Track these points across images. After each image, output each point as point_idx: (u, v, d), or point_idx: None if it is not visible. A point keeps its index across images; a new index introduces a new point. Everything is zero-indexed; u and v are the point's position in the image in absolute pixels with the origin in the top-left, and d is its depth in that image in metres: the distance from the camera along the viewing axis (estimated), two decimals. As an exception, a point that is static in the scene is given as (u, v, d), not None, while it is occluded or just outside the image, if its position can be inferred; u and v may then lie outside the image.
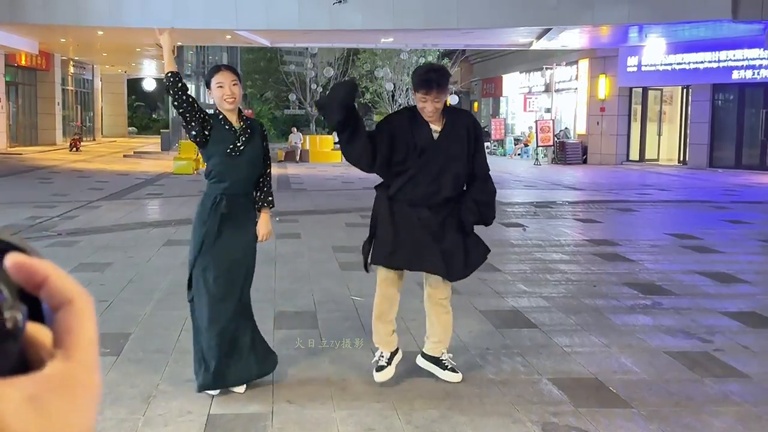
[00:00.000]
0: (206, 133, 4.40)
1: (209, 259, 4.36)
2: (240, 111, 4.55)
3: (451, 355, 4.66)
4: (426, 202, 4.46)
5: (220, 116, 4.46)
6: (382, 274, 4.57)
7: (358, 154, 4.45)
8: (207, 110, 4.51)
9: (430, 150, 4.44)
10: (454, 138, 4.48)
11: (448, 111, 4.55)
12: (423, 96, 4.38)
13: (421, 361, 4.68)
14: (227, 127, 4.44)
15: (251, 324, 4.56)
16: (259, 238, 4.56)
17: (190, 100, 4.39)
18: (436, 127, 4.49)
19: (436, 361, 4.61)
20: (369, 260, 4.59)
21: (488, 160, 4.70)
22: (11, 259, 0.44)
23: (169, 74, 4.41)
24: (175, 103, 4.40)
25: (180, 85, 4.39)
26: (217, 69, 4.53)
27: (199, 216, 4.46)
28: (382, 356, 4.57)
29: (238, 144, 4.42)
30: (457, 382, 4.56)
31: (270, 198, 4.64)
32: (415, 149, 4.43)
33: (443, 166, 4.43)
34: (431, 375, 4.64)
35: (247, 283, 4.52)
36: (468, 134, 4.52)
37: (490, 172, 4.65)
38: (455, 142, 4.48)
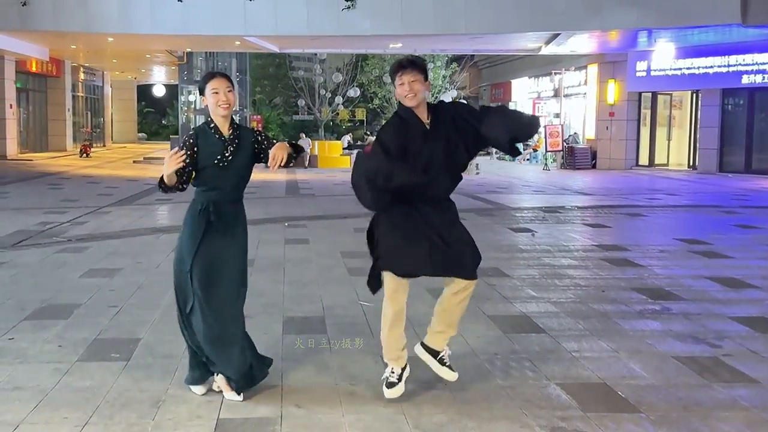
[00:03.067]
0: (193, 166, 4.41)
1: (197, 269, 4.37)
2: (232, 119, 4.50)
3: (450, 352, 4.56)
4: (424, 197, 4.32)
5: (211, 125, 4.45)
6: (391, 284, 4.38)
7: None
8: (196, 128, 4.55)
9: (427, 141, 4.33)
10: (445, 128, 4.36)
11: (431, 107, 4.45)
12: (399, 78, 4.32)
13: (419, 350, 4.56)
14: (217, 136, 4.43)
15: (240, 334, 4.52)
16: (271, 162, 4.32)
17: (187, 173, 4.42)
18: (425, 120, 4.39)
19: (435, 354, 4.51)
20: (380, 266, 4.40)
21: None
22: None
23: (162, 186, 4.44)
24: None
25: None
26: (211, 75, 4.47)
27: (188, 224, 4.47)
28: (393, 372, 4.46)
29: (227, 154, 4.40)
30: (457, 383, 4.49)
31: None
32: (414, 144, 4.32)
33: (441, 157, 4.31)
34: (440, 380, 4.63)
35: (234, 291, 4.45)
36: (455, 121, 4.37)
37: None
38: (449, 131, 4.36)
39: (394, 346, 4.47)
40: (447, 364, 4.52)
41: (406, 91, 4.32)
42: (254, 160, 4.52)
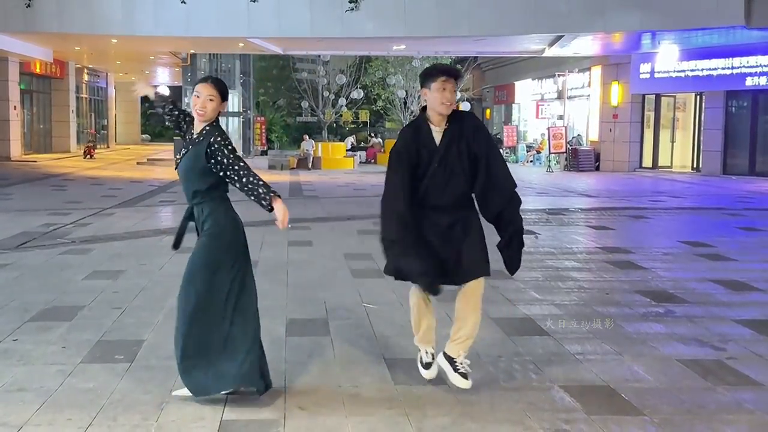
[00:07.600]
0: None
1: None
2: (214, 124, 4.34)
3: (468, 361, 4.59)
4: (435, 208, 4.44)
5: (192, 123, 4.41)
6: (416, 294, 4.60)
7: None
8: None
9: (435, 156, 4.41)
10: (456, 142, 4.43)
11: (453, 116, 4.49)
12: (443, 84, 4.37)
13: (440, 359, 4.62)
14: (187, 136, 4.42)
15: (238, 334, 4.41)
16: (280, 226, 4.27)
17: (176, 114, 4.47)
18: (438, 132, 4.45)
19: (451, 360, 4.55)
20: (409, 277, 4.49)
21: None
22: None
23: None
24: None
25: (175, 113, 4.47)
26: (203, 79, 4.34)
27: None
28: (426, 353, 4.66)
29: (178, 156, 4.40)
30: (466, 389, 4.49)
31: (262, 190, 4.21)
32: (426, 159, 4.42)
33: (448, 172, 4.40)
34: (444, 382, 4.63)
35: (200, 292, 4.56)
36: (469, 137, 4.44)
37: (516, 189, 4.65)
38: (458, 145, 4.43)
39: (424, 334, 4.68)
40: (461, 371, 4.52)
41: (448, 99, 4.39)
42: (205, 167, 4.28)
